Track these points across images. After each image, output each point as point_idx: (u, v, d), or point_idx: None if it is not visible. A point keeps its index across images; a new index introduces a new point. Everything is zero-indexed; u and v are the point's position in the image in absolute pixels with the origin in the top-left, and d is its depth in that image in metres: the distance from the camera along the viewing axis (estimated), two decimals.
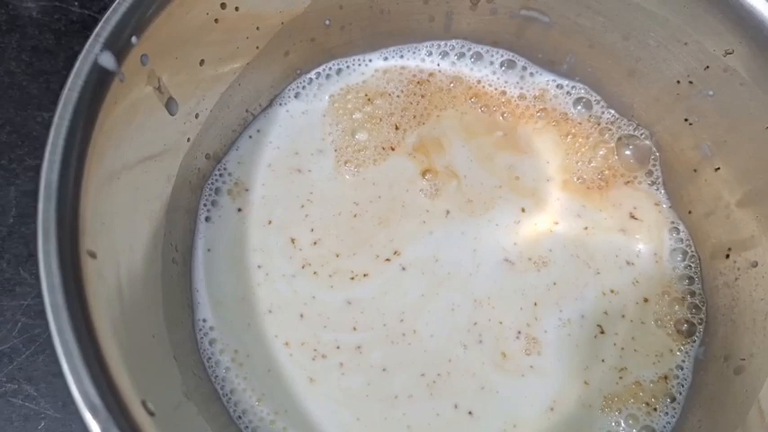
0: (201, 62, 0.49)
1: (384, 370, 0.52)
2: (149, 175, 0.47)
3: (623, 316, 0.54)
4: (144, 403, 0.37)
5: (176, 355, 0.46)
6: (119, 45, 0.41)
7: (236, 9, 0.49)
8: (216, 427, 0.46)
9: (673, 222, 0.57)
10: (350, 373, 0.52)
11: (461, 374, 0.52)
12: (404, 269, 0.54)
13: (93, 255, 0.39)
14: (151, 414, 0.37)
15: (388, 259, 0.54)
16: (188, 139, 0.51)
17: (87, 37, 0.41)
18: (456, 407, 0.51)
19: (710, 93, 0.51)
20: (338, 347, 0.52)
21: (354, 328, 0.53)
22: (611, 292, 0.55)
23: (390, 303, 0.53)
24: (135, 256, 0.45)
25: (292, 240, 0.54)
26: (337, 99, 0.59)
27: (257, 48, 0.53)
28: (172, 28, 0.45)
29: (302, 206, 0.55)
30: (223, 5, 0.48)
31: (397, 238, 0.55)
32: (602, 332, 0.53)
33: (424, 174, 0.57)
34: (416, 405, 0.51)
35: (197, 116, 0.51)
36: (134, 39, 0.42)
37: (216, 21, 0.48)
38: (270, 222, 0.55)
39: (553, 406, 0.51)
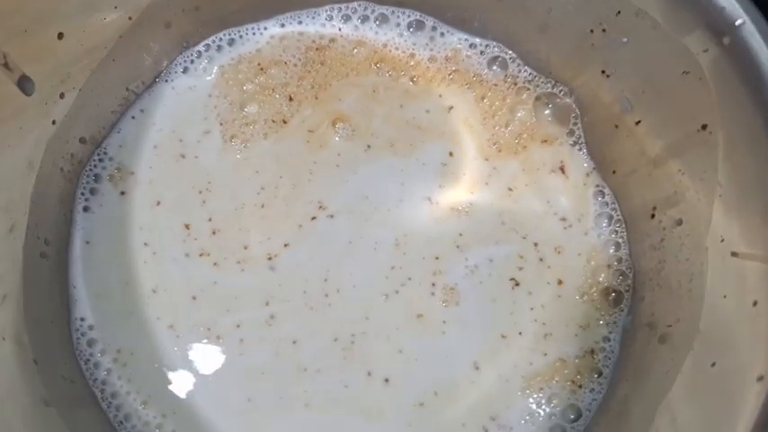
0: (60, 35, 0.45)
1: (294, 342, 0.48)
2: (2, 163, 0.42)
3: (548, 283, 0.50)
4: None
5: (37, 358, 0.42)
6: None
7: None
8: None
9: (597, 185, 0.53)
10: (251, 351, 0.48)
11: (378, 335, 0.49)
12: (332, 217, 0.51)
13: None
14: None
15: (314, 217, 0.51)
16: (53, 122, 0.46)
17: None
18: (369, 374, 0.47)
19: (624, 40, 0.48)
20: (238, 326, 0.48)
21: (267, 303, 0.49)
22: (536, 260, 0.51)
23: (315, 264, 0.50)
24: None
25: (186, 226, 0.50)
26: (228, 70, 0.54)
27: (130, 18, 0.49)
28: None
29: (199, 192, 0.51)
30: None
31: (318, 195, 0.52)
32: (517, 284, 0.50)
33: (334, 123, 0.53)
34: (324, 377, 0.48)
35: (62, 96, 0.46)
36: None
37: None
38: (158, 203, 0.51)
39: (474, 378, 0.48)
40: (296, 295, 0.49)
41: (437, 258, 0.51)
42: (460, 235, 0.51)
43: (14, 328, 0.41)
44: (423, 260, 0.50)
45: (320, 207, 0.51)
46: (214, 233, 0.50)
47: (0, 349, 0.39)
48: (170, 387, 0.46)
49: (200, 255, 0.50)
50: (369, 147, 0.53)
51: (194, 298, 0.49)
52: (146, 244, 0.50)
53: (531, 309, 0.50)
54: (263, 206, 0.51)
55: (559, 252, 0.51)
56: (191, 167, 0.52)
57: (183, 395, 0.46)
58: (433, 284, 0.50)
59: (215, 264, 0.49)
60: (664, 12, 0.44)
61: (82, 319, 0.47)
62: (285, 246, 0.50)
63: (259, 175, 0.52)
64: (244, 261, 0.50)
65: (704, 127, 0.44)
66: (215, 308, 0.48)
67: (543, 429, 0.47)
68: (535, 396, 0.48)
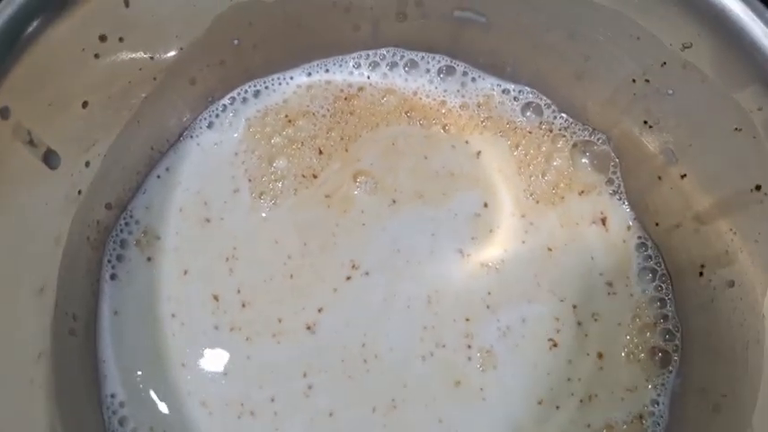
0: (85, 104, 0.43)
1: (331, 414, 0.46)
2: (29, 245, 0.41)
3: (587, 349, 0.48)
4: None
5: None
6: None
7: (120, 40, 0.43)
8: None
9: (639, 237, 0.51)
10: (287, 425, 0.46)
11: (416, 403, 0.47)
12: (367, 274, 0.49)
13: None
14: None
15: (349, 277, 0.49)
16: (79, 192, 0.44)
17: None
18: None
19: (670, 92, 0.46)
20: (273, 399, 0.47)
21: (305, 374, 0.47)
22: (574, 322, 0.49)
23: (353, 328, 0.48)
24: (16, 344, 0.39)
25: (215, 297, 0.48)
26: (254, 123, 0.52)
27: (154, 79, 0.47)
28: (37, 72, 0.38)
29: (226, 260, 0.49)
30: (102, 38, 0.42)
31: (349, 254, 0.50)
32: (555, 345, 0.49)
33: (355, 177, 0.51)
34: None
35: (87, 165, 0.45)
36: None
37: (96, 56, 0.42)
38: (185, 273, 0.49)
39: None
40: (335, 363, 0.47)
41: (468, 320, 0.49)
42: (489, 294, 0.50)
43: (47, 417, 0.39)
44: (454, 322, 0.49)
45: (353, 267, 0.49)
46: (244, 306, 0.48)
47: None
48: None
49: (231, 329, 0.48)
50: (394, 201, 0.51)
51: (226, 373, 0.47)
52: (173, 315, 0.48)
53: (573, 365, 0.48)
54: (291, 276, 0.49)
55: (600, 314, 0.49)
56: (216, 232, 0.50)
57: None
58: (469, 347, 0.48)
59: (247, 339, 0.48)
60: (714, 65, 0.42)
61: (113, 396, 0.46)
62: (319, 311, 0.48)
63: (287, 238, 0.50)
64: (279, 334, 0.48)
65: (758, 188, 0.42)
66: (249, 382, 0.47)
67: None
68: None
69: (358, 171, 0.52)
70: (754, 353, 0.42)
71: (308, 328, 0.48)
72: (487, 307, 0.49)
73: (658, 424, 0.47)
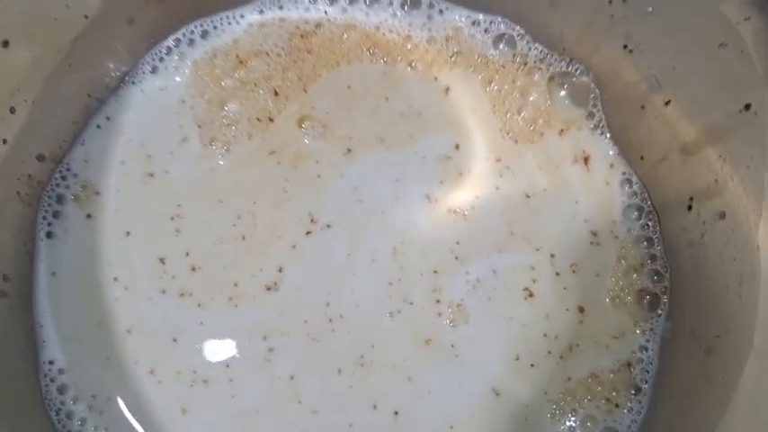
0: (5, 43, 0.39)
1: (292, 378, 0.43)
2: None
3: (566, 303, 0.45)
4: None
5: (6, 419, 0.37)
6: None
7: None
8: None
9: (624, 173, 0.47)
10: (244, 392, 0.43)
11: (384, 364, 0.44)
12: (329, 227, 0.46)
13: None
14: None
15: (308, 232, 0.45)
16: (4, 141, 0.41)
17: None
18: (375, 408, 0.42)
19: (649, 9, 0.42)
20: (228, 365, 0.43)
21: (265, 337, 0.43)
22: (552, 272, 0.45)
23: (316, 286, 0.45)
24: None
25: (161, 260, 0.45)
26: (202, 66, 0.48)
27: (86, 17, 0.43)
28: None
29: (171, 219, 0.45)
30: None
31: (307, 207, 0.46)
32: (531, 295, 0.45)
33: (300, 122, 0.48)
34: (326, 415, 0.43)
35: (12, 110, 0.41)
36: None
37: None
38: (128, 234, 0.45)
39: (494, 406, 0.42)
40: (297, 324, 0.44)
41: (435, 272, 0.45)
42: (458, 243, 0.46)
43: None
44: (421, 276, 0.45)
45: (312, 221, 0.46)
46: (194, 270, 0.45)
47: None
48: None
49: (181, 295, 0.44)
50: (349, 150, 0.47)
51: (175, 340, 0.43)
52: (116, 279, 0.44)
53: (551, 320, 0.45)
54: (243, 237, 0.45)
55: (580, 263, 0.46)
56: (160, 189, 0.46)
57: None
58: (438, 302, 0.45)
59: (199, 305, 0.44)
60: None
61: (51, 363, 0.42)
62: (279, 270, 0.45)
63: (236, 193, 0.46)
64: (236, 297, 0.44)
65: (747, 107, 0.38)
66: (201, 349, 0.43)
67: None
68: (566, 421, 0.43)
69: (304, 116, 0.48)
70: (749, 288, 0.38)
71: (269, 288, 0.44)
72: (456, 258, 0.45)
73: (647, 371, 0.43)
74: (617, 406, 0.43)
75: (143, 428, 0.41)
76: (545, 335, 0.44)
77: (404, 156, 0.47)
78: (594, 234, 0.46)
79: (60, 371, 0.42)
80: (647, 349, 0.44)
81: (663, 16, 0.42)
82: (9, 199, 0.42)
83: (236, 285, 0.44)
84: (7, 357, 0.40)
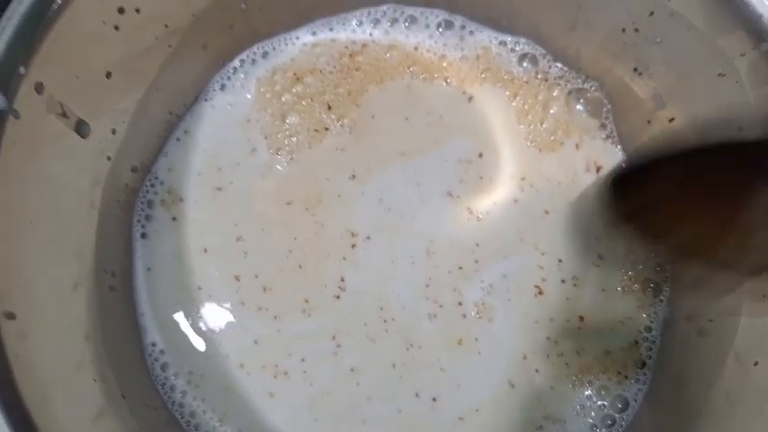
0: (108, 75, 0.45)
1: (352, 370, 0.51)
2: (69, 209, 0.44)
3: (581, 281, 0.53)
4: None
5: (124, 392, 0.44)
6: (5, 80, 0.38)
7: (137, 11, 0.45)
8: None
9: None
10: (318, 382, 0.51)
11: (424, 360, 0.51)
12: (369, 239, 0.52)
13: (11, 316, 0.37)
14: None
15: (354, 245, 0.52)
16: (108, 158, 0.47)
17: None
18: (418, 396, 0.50)
19: (657, 40, 0.48)
20: (303, 359, 0.51)
21: (333, 337, 0.51)
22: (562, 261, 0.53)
23: (369, 294, 0.52)
24: (63, 302, 0.42)
25: (236, 278, 0.52)
26: (264, 83, 0.55)
27: (170, 46, 0.49)
28: (64, 47, 0.41)
29: (237, 240, 0.52)
30: (121, 10, 0.44)
31: (345, 224, 0.53)
32: (541, 293, 0.52)
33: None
34: (380, 401, 0.51)
35: (114, 132, 0.47)
36: (22, 69, 0.38)
37: (116, 28, 0.44)
38: (205, 251, 0.52)
39: (514, 382, 0.51)
40: (359, 327, 0.51)
41: (460, 269, 0.53)
42: (477, 245, 0.53)
43: (98, 366, 0.43)
44: (449, 274, 0.52)
45: (353, 235, 0.53)
46: (266, 290, 0.51)
47: (91, 389, 0.42)
48: (242, 408, 0.49)
49: (259, 309, 0.51)
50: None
51: (256, 342, 0.51)
52: (200, 288, 0.51)
53: (577, 313, 0.53)
54: (300, 266, 0.52)
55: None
56: (227, 203, 0.53)
57: (255, 415, 0.49)
58: (460, 304, 0.52)
59: (275, 317, 0.51)
60: (700, 14, 0.45)
61: (153, 345, 0.49)
62: (342, 280, 0.52)
63: (285, 221, 0.53)
64: (308, 310, 0.51)
65: (740, 129, 0.45)
66: (280, 349, 0.51)
67: (595, 420, 0.50)
68: (585, 390, 0.51)
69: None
70: (738, 279, 0.46)
71: (337, 297, 0.52)
72: (475, 260, 0.53)
73: (651, 348, 0.51)
74: (626, 378, 0.51)
75: (234, 402, 0.49)
76: (568, 320, 0.52)
77: (426, 160, 0.54)
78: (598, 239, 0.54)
79: (161, 351, 0.49)
80: (651, 329, 0.52)
81: (669, 46, 0.48)
82: (112, 206, 0.48)
83: (306, 302, 0.52)
84: (121, 343, 0.47)
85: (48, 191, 0.42)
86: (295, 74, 0.55)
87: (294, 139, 0.54)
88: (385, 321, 0.51)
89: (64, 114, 0.42)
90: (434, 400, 0.51)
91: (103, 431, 0.41)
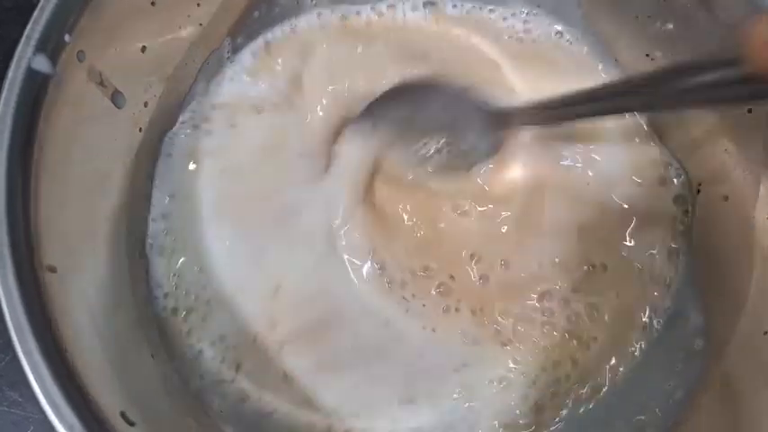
0: (143, 49, 0.47)
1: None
2: (103, 174, 0.46)
3: None
4: (123, 414, 0.37)
5: (154, 353, 0.46)
6: (52, 45, 0.40)
7: None
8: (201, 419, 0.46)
9: None
10: None
11: None
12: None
13: (52, 269, 0.38)
14: (131, 424, 0.37)
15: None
16: (139, 129, 0.49)
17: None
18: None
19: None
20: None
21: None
22: None
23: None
24: (98, 261, 0.44)
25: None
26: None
27: (200, 25, 0.51)
28: (106, 19, 0.43)
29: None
30: None
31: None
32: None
33: None
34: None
35: (146, 104, 0.49)
36: (67, 37, 0.40)
37: (153, 3, 0.46)
38: None
39: None
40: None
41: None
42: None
43: (128, 331, 0.45)
44: None
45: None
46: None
47: (124, 352, 0.43)
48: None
49: None
50: None
51: None
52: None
53: None
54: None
55: None
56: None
57: None
58: None
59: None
60: None
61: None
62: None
63: None
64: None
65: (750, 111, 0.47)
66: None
67: None
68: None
69: None
70: None
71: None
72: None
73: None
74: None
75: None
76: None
77: None
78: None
79: None
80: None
81: None
82: (140, 176, 0.50)
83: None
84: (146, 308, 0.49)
85: (85, 154, 0.43)
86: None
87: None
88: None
89: (102, 84, 0.44)
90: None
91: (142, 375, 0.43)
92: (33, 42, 0.39)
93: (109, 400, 0.37)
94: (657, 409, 0.49)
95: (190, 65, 0.53)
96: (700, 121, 0.52)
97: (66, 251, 0.40)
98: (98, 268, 0.44)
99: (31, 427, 0.53)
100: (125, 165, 0.48)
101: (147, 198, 0.51)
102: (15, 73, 0.38)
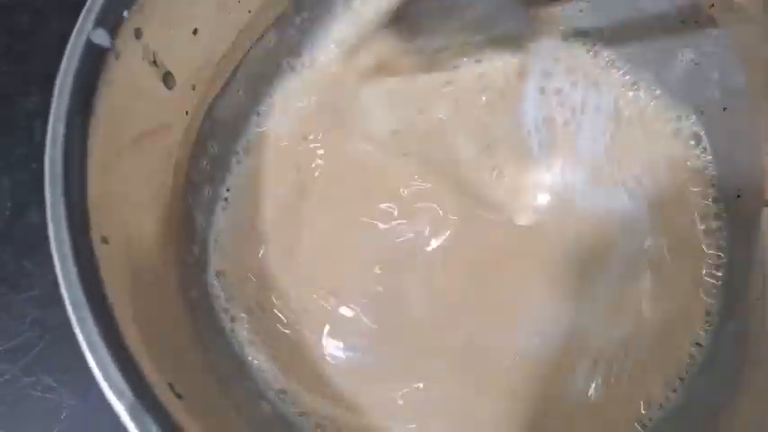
0: (195, 32, 0.48)
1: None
2: (151, 152, 0.46)
3: None
4: (171, 386, 0.37)
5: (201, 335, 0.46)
6: (111, 20, 0.40)
7: None
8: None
9: None
10: None
11: None
12: None
13: (105, 240, 0.38)
14: (179, 397, 0.37)
15: None
16: (186, 113, 0.49)
17: (65, 15, 0.39)
18: None
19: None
20: None
21: None
22: None
23: None
24: (147, 239, 0.44)
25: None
26: None
27: (249, 12, 0.52)
28: None
29: None
30: None
31: None
32: None
33: None
34: None
35: (194, 88, 0.49)
36: (126, 13, 0.41)
37: None
38: None
39: None
40: None
41: None
42: None
43: (177, 309, 0.45)
44: None
45: None
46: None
47: (173, 329, 0.43)
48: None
49: None
50: None
51: None
52: None
53: None
54: None
55: None
56: None
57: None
58: None
59: None
60: None
61: None
62: None
63: None
64: None
65: None
66: None
67: None
68: None
69: None
70: None
71: None
72: None
73: None
74: None
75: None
76: None
77: None
78: None
79: None
80: None
81: None
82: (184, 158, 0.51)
83: None
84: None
85: (135, 132, 0.43)
86: None
87: None
88: None
89: (155, 63, 0.44)
90: None
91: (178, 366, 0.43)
92: (94, 16, 0.39)
93: (158, 373, 0.37)
94: None
95: (237, 51, 0.53)
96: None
97: (119, 224, 0.40)
98: (147, 246, 0.44)
99: (65, 414, 0.52)
100: (170, 148, 0.48)
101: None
102: (75, 46, 0.39)
